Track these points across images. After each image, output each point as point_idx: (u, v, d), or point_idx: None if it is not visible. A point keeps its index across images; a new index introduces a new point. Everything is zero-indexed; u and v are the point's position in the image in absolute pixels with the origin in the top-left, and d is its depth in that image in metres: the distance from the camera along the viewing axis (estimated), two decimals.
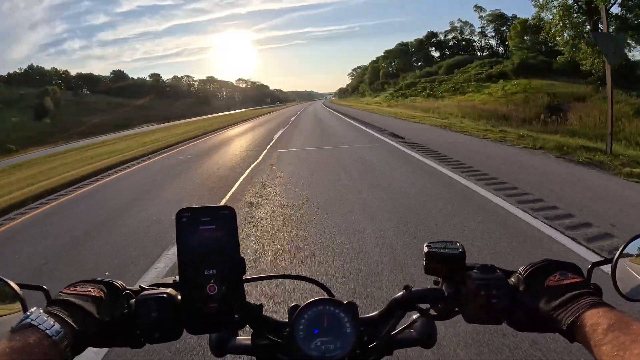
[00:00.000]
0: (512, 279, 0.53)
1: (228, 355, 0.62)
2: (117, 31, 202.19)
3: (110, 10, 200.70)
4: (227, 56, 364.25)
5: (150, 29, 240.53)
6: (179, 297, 0.51)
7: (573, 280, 0.49)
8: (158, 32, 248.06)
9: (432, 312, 0.57)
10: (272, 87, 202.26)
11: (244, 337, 0.61)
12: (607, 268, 0.54)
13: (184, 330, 0.53)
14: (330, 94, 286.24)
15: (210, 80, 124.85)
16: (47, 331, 0.42)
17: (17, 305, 0.53)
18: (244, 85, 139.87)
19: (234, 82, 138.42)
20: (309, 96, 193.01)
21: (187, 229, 0.52)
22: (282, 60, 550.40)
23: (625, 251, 0.55)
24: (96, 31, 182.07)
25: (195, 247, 0.51)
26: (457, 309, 0.54)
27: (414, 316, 0.59)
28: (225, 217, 0.54)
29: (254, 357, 0.60)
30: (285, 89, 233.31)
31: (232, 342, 0.62)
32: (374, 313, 0.58)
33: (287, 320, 0.55)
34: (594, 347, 0.42)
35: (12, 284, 0.52)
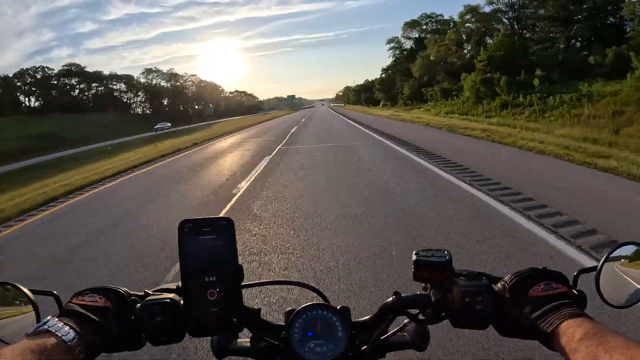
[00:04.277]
0: (499, 286, 0.62)
1: (229, 357, 0.71)
2: (105, 39, 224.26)
3: (98, 18, 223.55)
4: (215, 64, 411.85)
5: (138, 37, 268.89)
6: (182, 302, 0.62)
7: (556, 291, 0.57)
8: (146, 40, 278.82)
9: (420, 317, 0.65)
10: (232, 89, 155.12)
11: (244, 340, 0.70)
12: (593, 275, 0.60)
13: (186, 334, 0.62)
14: (322, 100, 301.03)
15: (74, 72, 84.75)
16: (64, 337, 0.51)
17: (29, 309, 0.62)
18: (168, 84, 68.73)
19: (136, 76, 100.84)
20: (292, 104, 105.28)
21: (188, 239, 0.61)
22: (270, 68, 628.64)
23: (612, 255, 0.61)
24: (84, 39, 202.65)
25: (197, 255, 0.60)
26: (444, 314, 0.63)
27: (406, 320, 0.68)
28: (224, 228, 0.62)
29: (253, 359, 0.68)
30: (270, 96, 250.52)
31: (232, 345, 0.70)
32: (366, 317, 0.68)
33: (283, 323, 0.64)
34: (569, 355, 0.48)
35: (25, 289, 0.62)
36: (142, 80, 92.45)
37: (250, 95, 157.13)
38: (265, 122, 39.48)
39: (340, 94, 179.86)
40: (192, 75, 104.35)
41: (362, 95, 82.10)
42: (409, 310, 0.65)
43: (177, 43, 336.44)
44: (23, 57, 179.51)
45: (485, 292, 0.60)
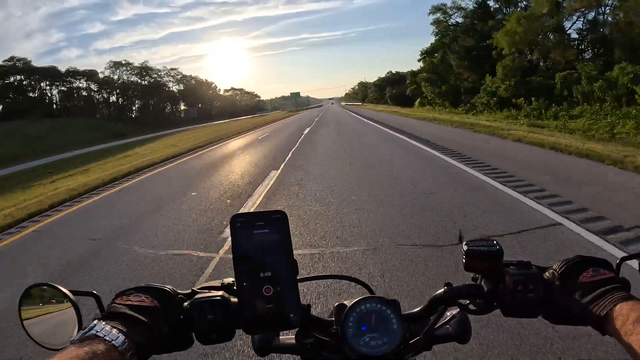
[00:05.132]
0: (547, 274, 0.64)
1: (271, 354, 0.71)
2: (113, 40, 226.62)
3: (107, 19, 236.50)
4: (223, 64, 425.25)
5: (146, 37, 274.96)
6: (232, 299, 0.63)
7: (605, 276, 0.60)
8: (154, 40, 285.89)
9: (471, 307, 0.67)
10: (228, 87, 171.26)
11: (287, 336, 0.71)
12: (635, 263, 0.64)
13: (236, 331, 0.64)
14: (331, 98, 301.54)
15: (18, 67, 68.24)
16: (113, 342, 0.50)
17: (69, 310, 0.61)
18: (141, 80, 50.08)
19: (100, 71, 79.86)
20: (296, 103, 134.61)
21: (241, 234, 0.61)
22: (277, 67, 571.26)
23: None
24: (92, 40, 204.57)
25: (251, 250, 0.61)
26: (495, 303, 0.65)
27: (448, 313, 0.70)
28: (278, 221, 0.62)
29: (298, 356, 0.69)
30: (277, 95, 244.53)
31: (275, 341, 0.71)
32: (416, 309, 0.70)
33: (332, 318, 0.66)
34: (623, 338, 0.50)
35: (65, 290, 0.61)
36: (113, 76, 75.28)
37: (251, 93, 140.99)
38: (245, 134, 25.04)
39: (350, 92, 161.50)
40: (172, 69, 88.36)
41: (386, 90, 63.19)
42: (459, 301, 0.68)
43: (185, 43, 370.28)
44: (32, 58, 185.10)
45: (537, 280, 0.62)
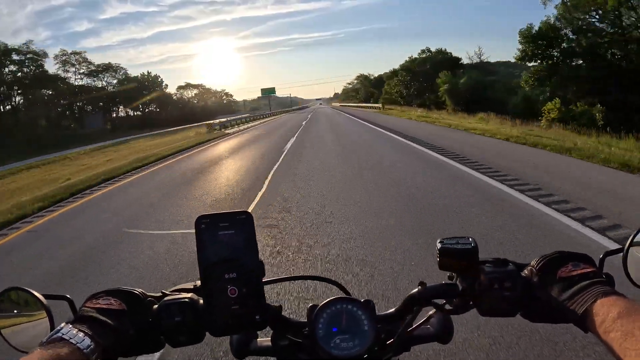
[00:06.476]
0: (525, 272, 0.66)
1: (249, 356, 0.74)
2: (101, 39, 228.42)
3: (94, 17, 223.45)
4: (212, 64, 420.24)
5: (134, 36, 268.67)
6: (201, 301, 0.66)
7: (585, 270, 0.60)
8: (142, 39, 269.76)
9: (447, 307, 0.69)
10: (183, 83, 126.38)
11: (265, 338, 0.74)
12: (619, 257, 0.62)
13: (207, 333, 0.67)
14: (319, 99, 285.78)
15: None
16: (79, 345, 0.54)
17: (42, 314, 0.64)
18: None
19: None
20: (274, 104, 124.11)
21: (206, 235, 0.64)
22: (267, 68, 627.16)
23: (636, 239, 0.61)
24: (80, 38, 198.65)
25: (215, 252, 0.64)
26: (471, 302, 0.67)
27: (430, 312, 0.73)
28: (243, 222, 0.64)
29: (275, 358, 0.72)
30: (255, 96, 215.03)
31: (252, 344, 0.73)
32: (391, 310, 0.72)
33: (305, 320, 0.69)
34: (603, 335, 0.50)
35: (37, 294, 0.64)
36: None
37: (219, 92, 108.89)
38: None
39: (343, 91, 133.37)
40: (74, 54, 59.39)
41: (439, 79, 35.33)
42: (435, 300, 0.70)
43: (174, 42, 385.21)
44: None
45: (514, 277, 0.64)
